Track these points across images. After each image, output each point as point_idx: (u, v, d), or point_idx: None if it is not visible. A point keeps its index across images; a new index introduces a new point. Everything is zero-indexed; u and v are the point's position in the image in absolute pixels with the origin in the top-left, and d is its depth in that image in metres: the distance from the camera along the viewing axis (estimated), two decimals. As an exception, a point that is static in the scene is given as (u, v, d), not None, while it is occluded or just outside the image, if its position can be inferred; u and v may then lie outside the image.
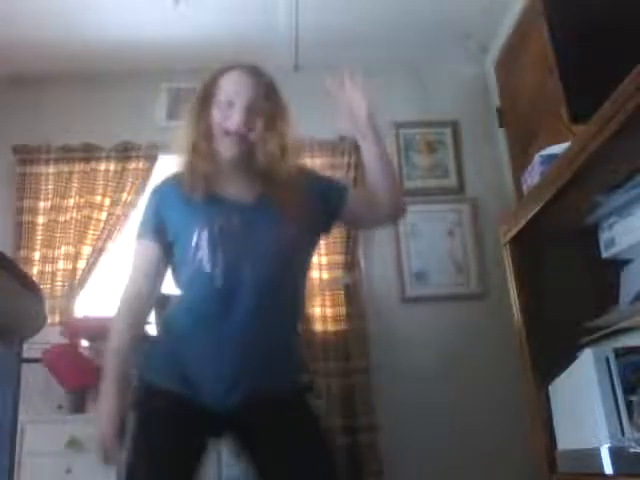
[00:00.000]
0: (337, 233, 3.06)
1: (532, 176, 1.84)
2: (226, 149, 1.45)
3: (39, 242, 3.06)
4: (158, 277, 1.48)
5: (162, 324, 1.57)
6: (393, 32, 3.15)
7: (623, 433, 1.32)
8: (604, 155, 1.40)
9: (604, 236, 1.70)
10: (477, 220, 3.21)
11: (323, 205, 1.51)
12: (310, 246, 1.56)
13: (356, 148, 3.23)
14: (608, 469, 1.33)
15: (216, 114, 1.46)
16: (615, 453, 1.32)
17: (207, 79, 1.52)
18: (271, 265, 1.40)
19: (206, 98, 1.49)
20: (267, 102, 1.48)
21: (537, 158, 1.82)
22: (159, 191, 1.58)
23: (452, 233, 3.21)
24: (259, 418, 1.37)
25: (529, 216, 1.77)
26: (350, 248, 3.07)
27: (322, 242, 3.07)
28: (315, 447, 1.39)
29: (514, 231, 1.89)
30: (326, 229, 1.59)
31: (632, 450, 1.28)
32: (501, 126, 3.15)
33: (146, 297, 1.46)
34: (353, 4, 2.98)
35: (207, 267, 1.38)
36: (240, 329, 1.37)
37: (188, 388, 1.37)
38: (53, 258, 3.04)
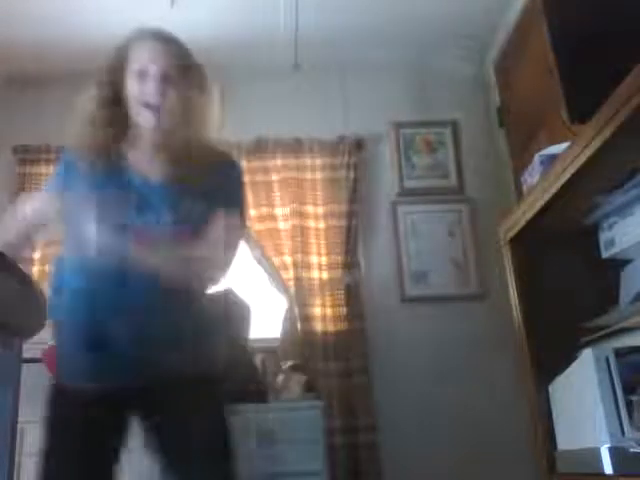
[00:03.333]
0: (337, 233, 3.06)
1: (532, 176, 1.84)
2: (145, 120, 1.42)
3: (39, 242, 3.06)
4: (40, 225, 1.60)
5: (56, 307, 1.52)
6: (393, 32, 3.15)
7: (623, 433, 1.32)
8: (604, 155, 1.40)
9: (604, 236, 1.70)
10: (477, 220, 3.21)
11: (211, 197, 1.43)
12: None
13: (356, 148, 3.25)
14: (608, 469, 1.33)
15: (132, 85, 1.43)
16: (615, 453, 1.32)
17: (118, 47, 1.49)
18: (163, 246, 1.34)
19: (117, 67, 1.46)
20: (181, 70, 1.45)
21: (537, 158, 1.82)
22: (65, 161, 1.60)
23: (452, 233, 3.21)
24: (161, 402, 1.36)
25: (529, 216, 1.77)
26: (350, 248, 3.07)
27: (322, 242, 3.08)
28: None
29: (514, 231, 1.89)
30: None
31: (632, 450, 1.28)
32: (501, 126, 3.15)
33: (27, 232, 1.59)
34: (353, 4, 2.97)
35: (97, 248, 1.34)
36: (133, 308, 1.33)
37: (94, 376, 1.35)
38: (53, 258, 3.04)
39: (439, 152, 3.34)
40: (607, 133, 1.32)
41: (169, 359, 1.35)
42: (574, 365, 1.54)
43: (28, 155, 3.19)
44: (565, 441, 1.62)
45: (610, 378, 1.37)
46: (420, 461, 2.80)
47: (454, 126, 3.37)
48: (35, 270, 3.00)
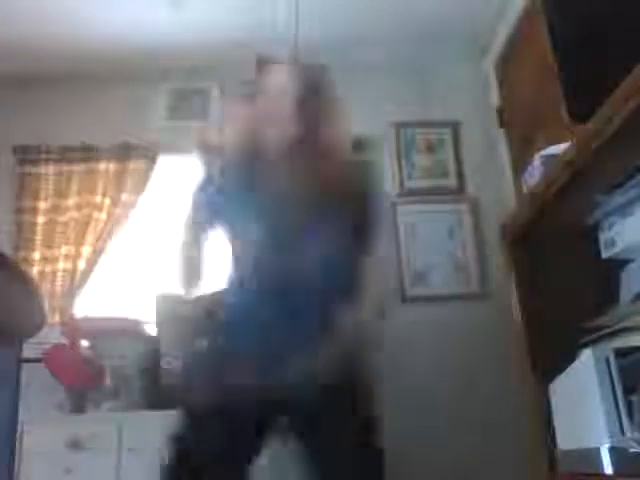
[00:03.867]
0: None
1: (532, 176, 1.84)
2: (274, 140, 1.51)
3: (39, 242, 3.06)
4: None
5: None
6: (393, 32, 3.15)
7: (623, 433, 1.32)
8: (604, 155, 1.40)
9: (604, 236, 1.70)
10: (477, 220, 3.21)
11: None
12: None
13: (356, 148, 3.24)
14: (608, 469, 1.33)
15: (264, 106, 1.52)
16: (615, 453, 1.32)
17: (253, 71, 1.58)
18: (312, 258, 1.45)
19: (253, 90, 1.55)
20: (315, 97, 1.53)
21: (537, 158, 1.82)
22: (208, 188, 1.64)
23: (452, 233, 3.21)
24: (308, 403, 1.40)
25: (529, 216, 1.77)
26: (350, 248, 3.07)
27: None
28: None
29: (514, 231, 1.89)
30: None
31: (632, 450, 1.28)
32: (501, 126, 3.15)
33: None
34: (353, 4, 2.97)
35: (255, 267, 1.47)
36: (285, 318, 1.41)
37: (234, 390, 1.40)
38: (53, 258, 3.04)
39: (439, 152, 3.34)
40: (607, 133, 1.31)
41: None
42: (574, 365, 1.54)
43: (28, 155, 3.20)
44: (565, 441, 1.62)
45: (610, 378, 1.37)
46: (420, 461, 2.79)
47: (454, 126, 3.37)
48: (35, 270, 3.00)
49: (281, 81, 1.53)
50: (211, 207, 1.60)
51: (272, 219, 1.47)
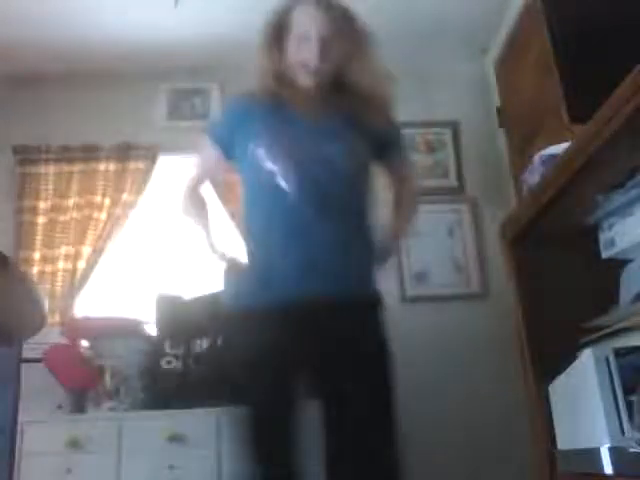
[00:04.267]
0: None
1: (532, 176, 1.84)
2: (304, 80, 1.56)
3: (39, 242, 3.06)
4: (217, 173, 1.82)
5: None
6: (393, 32, 3.14)
7: (623, 433, 1.32)
8: (604, 155, 1.39)
9: (604, 236, 1.70)
10: (477, 220, 3.21)
11: (380, 146, 1.69)
12: (370, 167, 1.69)
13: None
14: (608, 469, 1.33)
15: (292, 47, 1.55)
16: (615, 453, 1.32)
17: (279, 10, 1.61)
18: (340, 180, 1.53)
19: (280, 29, 1.58)
20: (342, 34, 1.57)
21: (537, 158, 1.82)
22: (233, 108, 1.74)
23: (452, 233, 3.21)
24: (336, 325, 1.48)
25: (529, 216, 1.77)
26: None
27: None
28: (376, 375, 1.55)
29: (514, 231, 1.89)
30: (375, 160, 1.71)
31: (632, 450, 1.28)
32: (501, 126, 3.15)
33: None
34: (353, 4, 2.97)
35: (281, 182, 1.51)
36: (317, 235, 1.49)
37: (275, 297, 1.47)
38: (53, 258, 3.04)
39: (439, 152, 3.34)
40: (607, 133, 1.31)
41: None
42: (574, 365, 1.54)
43: (28, 155, 3.19)
44: (565, 441, 1.62)
45: (610, 378, 1.37)
46: (420, 461, 2.78)
47: (454, 126, 3.37)
48: (35, 270, 3.00)
49: (307, 20, 1.56)
50: (238, 121, 1.64)
51: (301, 140, 1.55)
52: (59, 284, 3.00)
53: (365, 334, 1.50)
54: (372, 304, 1.60)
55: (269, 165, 1.51)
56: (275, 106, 1.59)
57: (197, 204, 1.75)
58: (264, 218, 1.56)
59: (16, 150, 3.20)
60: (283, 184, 1.50)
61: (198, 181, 1.77)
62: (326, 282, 1.48)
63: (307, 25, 1.54)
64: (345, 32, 1.58)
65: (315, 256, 1.48)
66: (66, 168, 3.19)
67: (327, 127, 1.58)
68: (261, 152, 1.53)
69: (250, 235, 1.61)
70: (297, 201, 1.49)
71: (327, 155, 1.52)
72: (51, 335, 2.53)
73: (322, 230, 1.49)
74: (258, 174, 1.55)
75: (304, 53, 1.53)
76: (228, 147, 1.66)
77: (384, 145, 1.70)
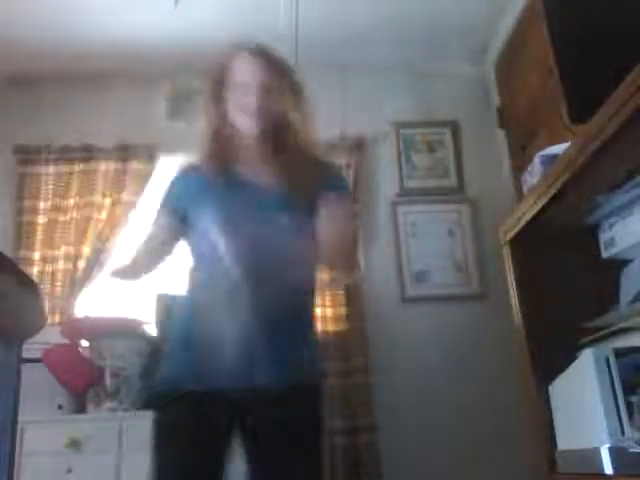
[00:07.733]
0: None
1: (532, 176, 1.84)
2: (246, 125, 1.54)
3: (39, 242, 3.06)
4: (168, 245, 1.63)
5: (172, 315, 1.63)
6: (393, 32, 3.15)
7: (623, 433, 1.32)
8: (604, 155, 1.40)
9: (604, 236, 1.70)
10: (477, 220, 3.21)
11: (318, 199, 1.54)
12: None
13: (356, 148, 3.25)
14: (608, 469, 1.33)
15: (232, 95, 1.55)
16: (615, 453, 1.32)
17: (217, 65, 1.61)
18: (282, 250, 1.43)
19: (220, 83, 1.58)
20: (281, 82, 1.57)
21: (537, 158, 1.82)
22: (180, 177, 1.66)
23: (452, 233, 3.21)
24: (268, 410, 1.40)
25: (529, 216, 1.77)
26: (350, 248, 3.07)
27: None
28: (306, 454, 1.42)
29: (514, 231, 1.89)
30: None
31: (632, 450, 1.28)
32: (501, 126, 3.15)
33: (157, 255, 1.64)
34: (353, 4, 2.97)
35: (224, 255, 1.44)
36: (252, 311, 1.42)
37: (205, 380, 1.40)
38: (53, 258, 3.04)
39: (439, 152, 3.34)
40: (607, 133, 1.32)
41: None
42: (574, 365, 1.54)
43: (28, 155, 3.20)
44: (565, 441, 1.62)
45: (610, 378, 1.37)
46: (420, 461, 2.80)
47: (454, 126, 3.37)
48: (35, 270, 3.00)
49: (246, 68, 1.56)
50: (184, 190, 1.60)
51: (244, 206, 1.49)
52: (59, 284, 3.00)
53: (297, 417, 1.43)
54: (309, 391, 1.49)
55: (211, 235, 1.46)
56: (218, 171, 1.55)
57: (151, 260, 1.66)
58: (203, 286, 1.53)
59: (16, 150, 3.20)
60: (223, 255, 1.44)
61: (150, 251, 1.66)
62: (261, 370, 1.41)
63: (246, 72, 1.55)
64: (284, 81, 1.58)
65: (249, 342, 1.42)
66: (66, 168, 3.19)
67: (270, 191, 1.52)
68: (205, 221, 1.49)
69: (186, 307, 1.56)
70: (235, 274, 1.43)
71: (270, 221, 1.46)
72: (51, 335, 2.53)
73: (257, 307, 1.43)
74: (200, 243, 1.53)
75: (245, 98, 1.53)
76: (179, 214, 1.60)
77: (322, 194, 1.55)
